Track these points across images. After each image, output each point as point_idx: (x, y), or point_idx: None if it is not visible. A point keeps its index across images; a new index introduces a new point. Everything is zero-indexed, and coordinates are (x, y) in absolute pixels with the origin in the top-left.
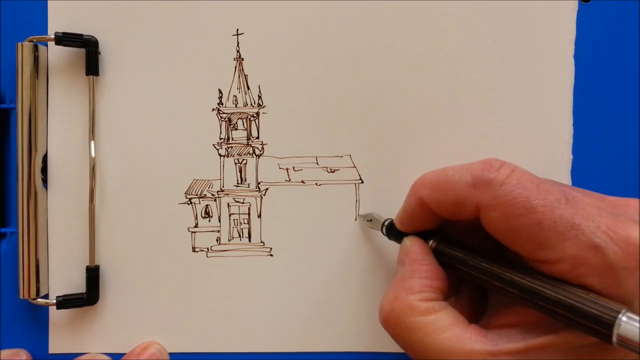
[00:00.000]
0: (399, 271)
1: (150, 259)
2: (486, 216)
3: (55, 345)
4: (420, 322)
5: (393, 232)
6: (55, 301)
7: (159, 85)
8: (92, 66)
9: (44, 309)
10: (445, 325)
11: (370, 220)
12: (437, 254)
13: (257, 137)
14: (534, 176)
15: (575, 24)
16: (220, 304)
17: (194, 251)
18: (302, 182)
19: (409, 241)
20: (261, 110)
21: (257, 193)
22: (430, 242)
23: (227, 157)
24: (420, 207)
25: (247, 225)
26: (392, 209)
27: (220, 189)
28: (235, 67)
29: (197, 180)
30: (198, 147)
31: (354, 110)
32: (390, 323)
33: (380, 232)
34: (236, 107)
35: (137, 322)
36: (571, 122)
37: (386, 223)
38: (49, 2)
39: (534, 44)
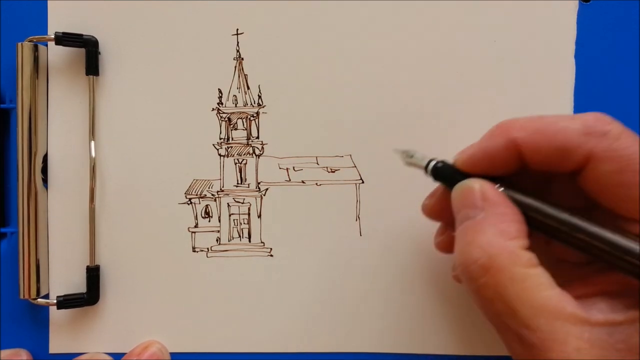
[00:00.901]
0: (469, 217)
1: (151, 259)
2: (596, 168)
3: (56, 345)
4: (524, 273)
5: (446, 173)
6: (55, 301)
7: (159, 85)
8: (92, 66)
9: (44, 309)
10: (546, 282)
11: (412, 156)
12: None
13: (257, 137)
14: None
15: (575, 23)
16: (220, 304)
17: (194, 251)
18: (302, 182)
19: (478, 184)
20: (261, 110)
21: (257, 193)
22: (497, 186)
23: (227, 157)
24: (507, 151)
25: (247, 226)
26: (392, 209)
27: (220, 189)
28: (235, 67)
29: (197, 180)
30: (198, 147)
31: (354, 110)
32: (491, 271)
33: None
34: (236, 107)
35: (137, 322)
36: None
37: (436, 163)
38: (49, 2)
39: (535, 44)
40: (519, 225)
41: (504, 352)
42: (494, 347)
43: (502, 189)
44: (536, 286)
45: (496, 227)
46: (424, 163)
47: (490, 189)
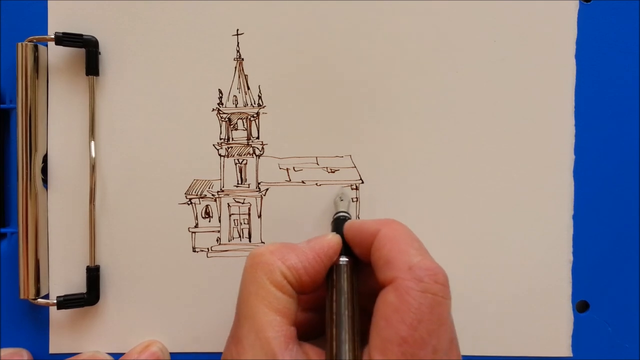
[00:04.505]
0: (302, 242)
1: (151, 259)
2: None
3: (56, 345)
4: (264, 283)
5: (338, 225)
6: (55, 301)
7: (159, 85)
8: (92, 66)
9: (44, 309)
10: (276, 306)
11: (342, 200)
12: (336, 269)
13: (257, 137)
14: None
15: (576, 23)
16: (220, 304)
17: (194, 251)
18: (302, 182)
19: (334, 239)
20: (261, 110)
21: (257, 193)
22: (345, 258)
23: (227, 157)
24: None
25: (247, 226)
26: (392, 208)
27: (221, 189)
28: (235, 67)
29: (197, 180)
30: (198, 147)
31: (354, 110)
32: (251, 263)
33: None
34: (236, 107)
35: (137, 322)
36: (573, 122)
37: (340, 215)
38: (49, 2)
39: (535, 44)
40: (304, 270)
41: (504, 352)
42: (494, 347)
43: (346, 262)
44: (266, 297)
45: (290, 251)
46: (336, 209)
47: (334, 247)
